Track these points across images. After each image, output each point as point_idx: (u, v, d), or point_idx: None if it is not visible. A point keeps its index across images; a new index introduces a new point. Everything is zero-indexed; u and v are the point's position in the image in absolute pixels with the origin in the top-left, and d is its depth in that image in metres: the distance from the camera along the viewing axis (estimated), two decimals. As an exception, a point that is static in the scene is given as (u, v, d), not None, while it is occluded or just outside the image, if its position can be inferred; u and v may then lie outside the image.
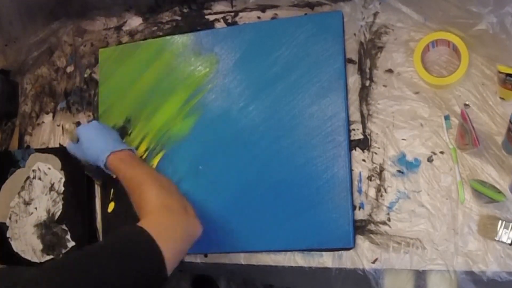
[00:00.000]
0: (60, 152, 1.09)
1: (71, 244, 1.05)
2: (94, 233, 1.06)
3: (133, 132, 1.05)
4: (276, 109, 0.94)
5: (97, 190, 1.07)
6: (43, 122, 1.16)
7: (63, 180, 1.08)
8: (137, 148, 1.03)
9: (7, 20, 1.13)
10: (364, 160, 0.90)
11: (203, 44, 1.02)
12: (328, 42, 0.93)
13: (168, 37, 1.05)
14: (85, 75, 1.13)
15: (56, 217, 1.07)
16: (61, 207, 1.07)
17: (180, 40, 1.04)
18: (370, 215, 0.88)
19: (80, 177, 1.06)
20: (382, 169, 0.88)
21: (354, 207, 0.88)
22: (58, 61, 1.17)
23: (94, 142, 0.91)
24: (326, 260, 0.89)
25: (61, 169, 1.08)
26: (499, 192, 0.79)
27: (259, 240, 0.92)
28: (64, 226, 1.06)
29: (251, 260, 0.94)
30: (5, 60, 1.20)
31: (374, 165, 0.89)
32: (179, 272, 1.07)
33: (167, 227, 0.73)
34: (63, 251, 1.06)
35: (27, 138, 1.17)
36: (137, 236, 0.67)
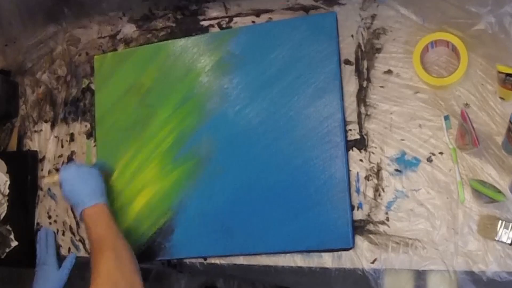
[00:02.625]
0: (6, 156, 1.14)
1: (15, 243, 1.10)
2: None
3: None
4: (273, 111, 0.94)
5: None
6: (41, 130, 1.15)
7: (8, 182, 1.12)
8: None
9: (7, 20, 1.14)
10: (361, 160, 0.89)
11: (198, 48, 1.01)
12: (322, 43, 0.93)
13: (162, 42, 1.05)
14: (83, 86, 1.13)
15: (1, 218, 1.11)
16: (5, 208, 1.11)
17: (175, 44, 1.03)
18: (368, 215, 0.87)
19: (24, 180, 1.11)
20: (379, 169, 0.88)
21: (352, 207, 0.88)
22: (59, 70, 1.16)
23: (72, 192, 0.91)
24: (326, 260, 0.89)
25: (7, 172, 1.13)
26: (499, 192, 0.78)
27: (258, 243, 0.91)
28: (8, 227, 1.11)
29: (251, 261, 0.93)
30: (5, 60, 1.20)
31: (372, 165, 0.89)
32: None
33: None
34: (7, 250, 1.10)
35: (26, 141, 1.16)
36: None
